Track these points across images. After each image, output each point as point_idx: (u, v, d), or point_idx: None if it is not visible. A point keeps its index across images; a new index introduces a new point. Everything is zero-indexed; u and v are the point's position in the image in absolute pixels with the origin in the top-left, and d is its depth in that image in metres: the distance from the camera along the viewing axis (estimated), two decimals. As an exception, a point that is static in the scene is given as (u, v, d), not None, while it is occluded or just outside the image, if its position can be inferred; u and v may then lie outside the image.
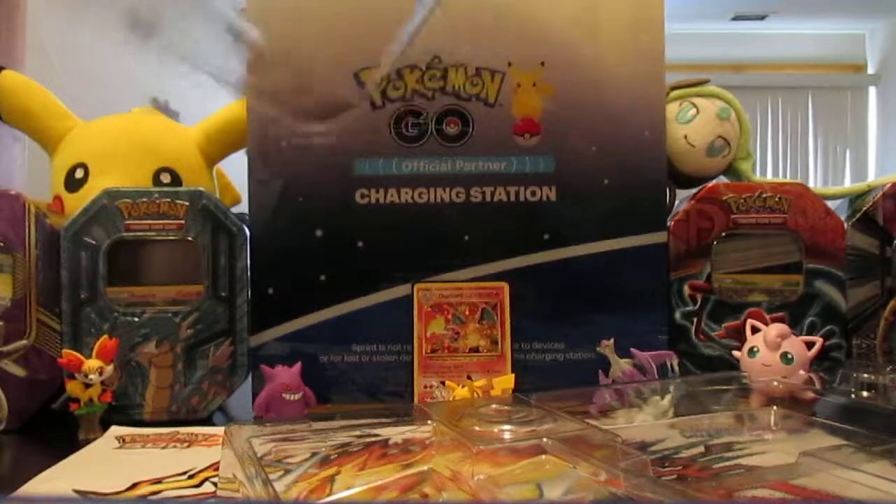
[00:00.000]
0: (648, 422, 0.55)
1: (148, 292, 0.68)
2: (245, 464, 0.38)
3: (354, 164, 0.70)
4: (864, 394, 0.59)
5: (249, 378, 0.69)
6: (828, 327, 0.71)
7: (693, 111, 0.76)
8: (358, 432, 0.47)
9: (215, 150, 0.83)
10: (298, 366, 0.62)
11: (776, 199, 0.71)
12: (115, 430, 0.61)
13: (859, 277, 0.73)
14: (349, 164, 0.69)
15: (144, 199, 0.66)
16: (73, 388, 0.61)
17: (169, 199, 0.66)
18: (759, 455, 0.50)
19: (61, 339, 0.65)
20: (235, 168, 0.82)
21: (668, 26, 0.70)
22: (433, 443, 0.45)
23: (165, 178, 0.78)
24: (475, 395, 0.56)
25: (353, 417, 0.50)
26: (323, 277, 0.69)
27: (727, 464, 0.48)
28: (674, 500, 0.34)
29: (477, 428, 0.44)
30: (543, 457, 0.42)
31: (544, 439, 0.42)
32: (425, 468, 0.43)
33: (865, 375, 0.60)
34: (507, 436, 0.43)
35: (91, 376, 0.61)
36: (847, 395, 0.60)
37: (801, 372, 0.62)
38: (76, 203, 0.69)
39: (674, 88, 0.78)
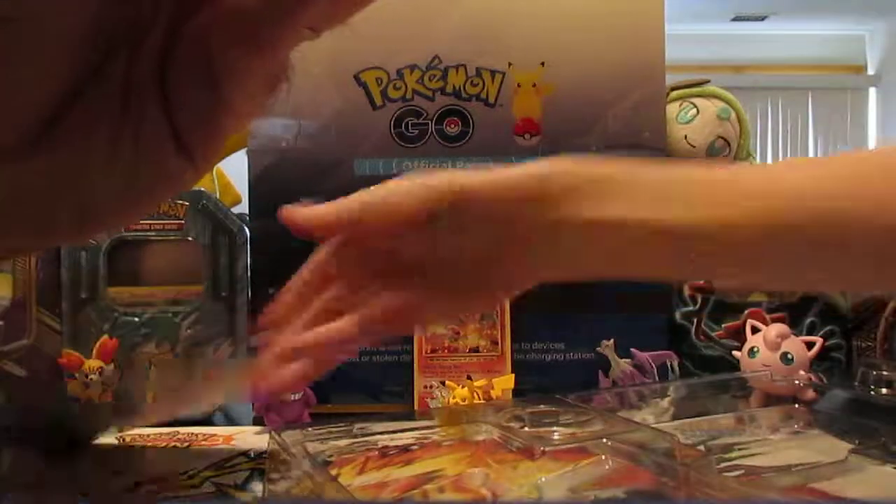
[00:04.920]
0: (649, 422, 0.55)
1: (148, 292, 0.68)
2: (309, 462, 0.38)
3: (354, 164, 0.69)
4: (884, 391, 0.59)
5: (249, 378, 0.69)
6: (828, 327, 0.71)
7: (693, 111, 0.76)
8: (414, 434, 0.47)
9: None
10: (298, 366, 0.62)
11: (776, 200, 0.71)
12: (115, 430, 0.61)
13: (859, 278, 0.73)
14: (349, 164, 0.69)
15: (144, 199, 0.66)
16: (73, 388, 0.61)
17: (168, 200, 0.66)
18: (763, 455, 0.50)
19: (61, 339, 0.65)
20: (235, 168, 0.82)
21: (668, 27, 0.70)
22: (489, 443, 0.45)
23: (165, 178, 0.77)
24: (475, 395, 0.56)
25: (397, 419, 0.51)
26: (323, 277, 0.69)
27: (727, 464, 0.48)
28: (744, 498, 0.34)
29: (527, 429, 0.44)
30: (603, 457, 0.42)
31: (604, 440, 0.42)
32: (477, 470, 0.43)
33: (885, 372, 0.59)
34: (557, 437, 0.43)
35: (91, 376, 0.61)
36: (851, 394, 0.60)
37: (802, 372, 0.62)
38: (76, 203, 0.69)
39: (674, 89, 0.78)
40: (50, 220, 0.18)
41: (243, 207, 0.77)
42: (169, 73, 0.18)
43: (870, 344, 0.72)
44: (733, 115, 0.77)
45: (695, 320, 0.72)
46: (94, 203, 0.18)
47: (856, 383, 0.61)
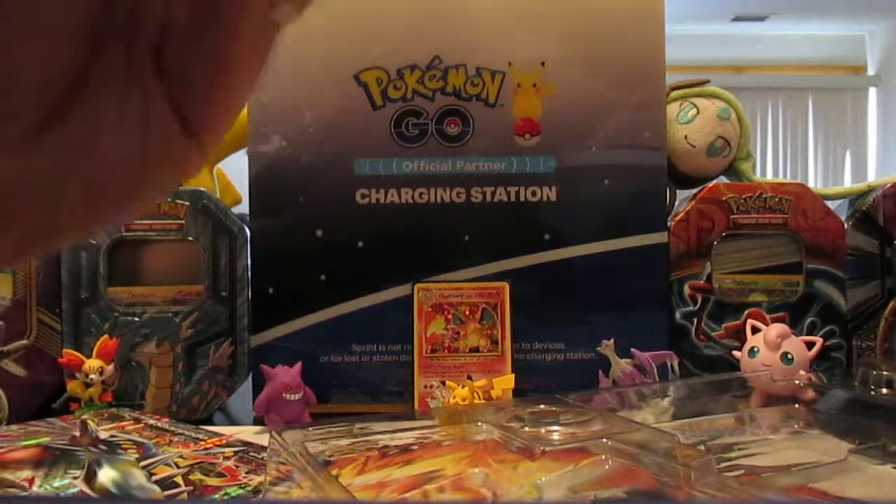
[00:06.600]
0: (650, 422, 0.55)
1: (148, 292, 0.68)
2: (310, 464, 0.38)
3: (354, 164, 0.70)
4: (884, 391, 0.59)
5: (249, 378, 0.69)
6: (828, 327, 0.71)
7: (693, 111, 0.76)
8: (414, 434, 0.47)
9: (215, 150, 0.83)
10: (298, 366, 0.62)
11: (776, 200, 0.71)
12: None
13: (859, 277, 0.73)
14: (349, 164, 0.69)
15: (144, 199, 0.66)
16: (73, 387, 0.61)
17: (169, 199, 0.66)
18: (763, 455, 0.50)
19: (61, 339, 0.65)
20: (235, 168, 0.82)
21: (668, 27, 0.70)
22: (489, 443, 0.45)
23: (165, 178, 0.78)
24: (475, 395, 0.56)
25: (397, 419, 0.51)
26: (323, 277, 0.69)
27: (727, 464, 0.48)
28: (744, 498, 0.34)
29: (527, 429, 0.44)
30: (603, 457, 0.42)
31: (604, 440, 0.42)
32: (477, 469, 0.43)
33: (885, 372, 0.59)
34: (557, 437, 0.43)
35: (91, 376, 0.61)
36: (851, 394, 0.60)
37: (802, 372, 0.62)
38: (76, 203, 0.69)
39: (674, 89, 0.78)
40: (56, 215, 0.18)
41: (243, 207, 0.77)
42: (166, 47, 0.18)
43: (870, 344, 0.72)
44: (733, 115, 0.77)
45: (695, 320, 0.72)
46: (101, 193, 0.18)
47: (856, 383, 0.61)
